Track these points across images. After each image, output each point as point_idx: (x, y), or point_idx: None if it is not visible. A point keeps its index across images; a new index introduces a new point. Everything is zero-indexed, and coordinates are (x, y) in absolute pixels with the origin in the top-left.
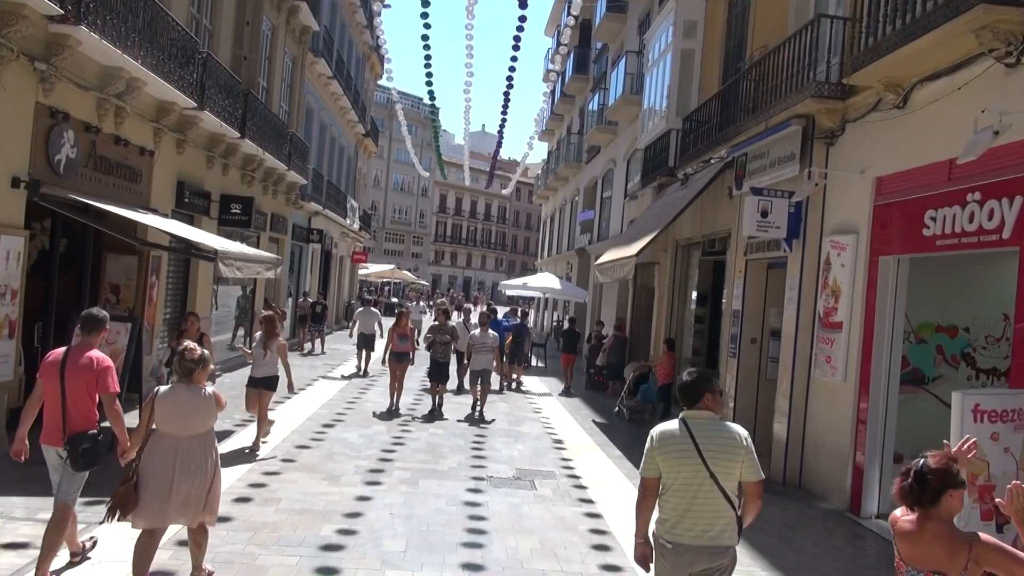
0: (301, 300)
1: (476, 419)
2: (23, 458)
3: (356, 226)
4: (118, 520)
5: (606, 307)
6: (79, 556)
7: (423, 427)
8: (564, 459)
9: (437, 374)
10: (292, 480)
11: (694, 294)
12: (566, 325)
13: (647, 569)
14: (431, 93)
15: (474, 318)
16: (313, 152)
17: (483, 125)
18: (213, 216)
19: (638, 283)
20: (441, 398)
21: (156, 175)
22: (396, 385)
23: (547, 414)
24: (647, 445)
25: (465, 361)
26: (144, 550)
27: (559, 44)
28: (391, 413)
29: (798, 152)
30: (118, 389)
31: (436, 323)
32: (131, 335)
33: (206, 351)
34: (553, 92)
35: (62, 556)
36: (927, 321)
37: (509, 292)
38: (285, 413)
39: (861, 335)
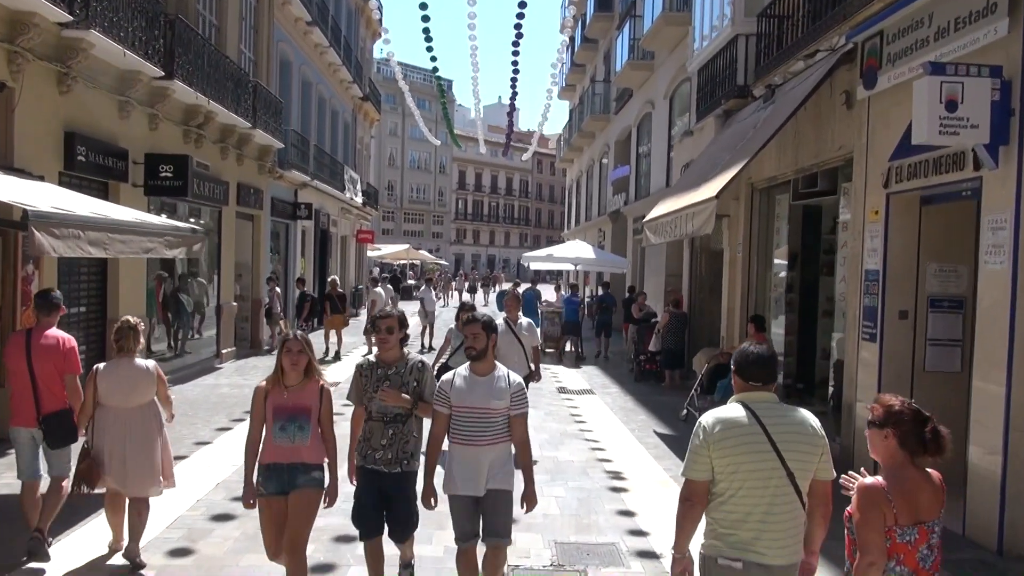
0: (268, 288)
1: None
2: None
3: (359, 201)
4: (87, 491)
5: (651, 277)
6: (39, 534)
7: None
8: (627, 512)
9: (372, 520)
10: None
11: (780, 253)
12: (625, 295)
13: None
14: (428, 38)
15: (491, 296)
16: (295, 112)
17: (499, 97)
18: (138, 183)
19: (696, 244)
20: None
21: (21, 122)
22: None
23: (592, 424)
24: (695, 439)
25: (430, 486)
26: (113, 507)
27: None
28: None
29: None
30: (80, 370)
31: (371, 360)
32: None
33: (133, 319)
34: (572, 41)
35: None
36: None
37: (534, 265)
38: (222, 449)
39: None
